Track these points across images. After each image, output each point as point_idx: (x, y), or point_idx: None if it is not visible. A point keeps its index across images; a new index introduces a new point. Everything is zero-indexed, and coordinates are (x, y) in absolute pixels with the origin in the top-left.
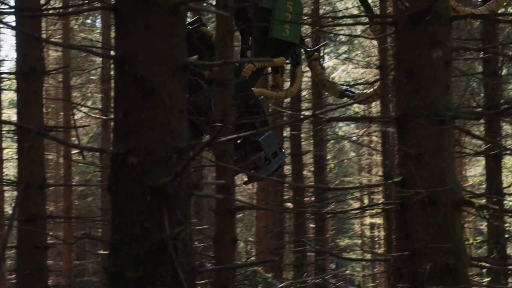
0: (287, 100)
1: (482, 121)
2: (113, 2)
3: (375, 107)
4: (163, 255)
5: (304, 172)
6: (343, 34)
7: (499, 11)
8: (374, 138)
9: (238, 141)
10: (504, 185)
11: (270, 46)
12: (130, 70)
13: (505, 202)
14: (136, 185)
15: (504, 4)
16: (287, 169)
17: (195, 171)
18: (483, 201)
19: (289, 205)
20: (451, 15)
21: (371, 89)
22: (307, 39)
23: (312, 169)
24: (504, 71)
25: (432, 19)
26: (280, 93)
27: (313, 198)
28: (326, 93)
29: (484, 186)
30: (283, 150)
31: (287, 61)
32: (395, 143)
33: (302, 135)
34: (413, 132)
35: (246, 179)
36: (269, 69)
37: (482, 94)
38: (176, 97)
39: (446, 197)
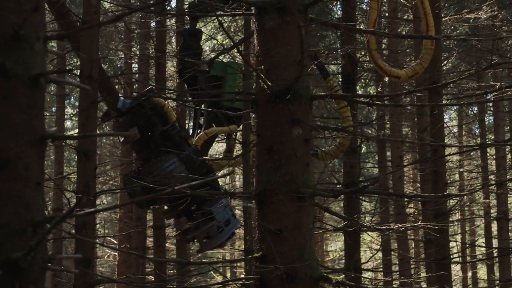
0: None
1: (342, 197)
2: None
3: (239, 181)
4: None
5: (167, 245)
6: (204, 109)
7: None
8: (237, 211)
9: (192, 211)
10: (363, 260)
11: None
12: None
13: (362, 277)
14: None
15: (426, 66)
16: (150, 241)
17: (54, 243)
18: (341, 277)
19: (151, 278)
20: (311, 95)
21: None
22: None
23: (175, 241)
24: (363, 149)
25: (293, 98)
26: (231, 161)
27: (175, 271)
28: None
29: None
30: (236, 217)
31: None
32: (256, 219)
33: (165, 207)
34: (273, 208)
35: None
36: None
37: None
38: (33, 170)
39: (304, 273)
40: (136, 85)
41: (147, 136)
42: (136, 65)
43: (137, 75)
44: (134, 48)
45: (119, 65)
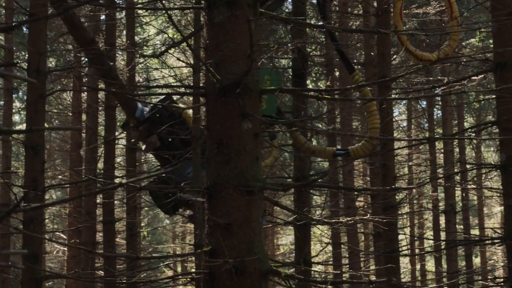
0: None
1: (293, 191)
2: None
3: None
4: None
5: (117, 239)
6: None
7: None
8: None
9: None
10: (313, 254)
11: None
12: None
13: (312, 270)
14: None
15: (455, 47)
16: (100, 236)
17: (1, 238)
18: (291, 270)
19: (101, 273)
20: (260, 88)
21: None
22: None
23: (125, 236)
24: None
25: (242, 92)
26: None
27: (124, 266)
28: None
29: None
30: None
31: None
32: (206, 213)
33: (115, 202)
34: (223, 202)
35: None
36: None
37: (292, 165)
38: None
39: (253, 266)
40: (86, 79)
41: (167, 143)
42: (86, 59)
43: (86, 69)
44: None
45: (68, 59)
